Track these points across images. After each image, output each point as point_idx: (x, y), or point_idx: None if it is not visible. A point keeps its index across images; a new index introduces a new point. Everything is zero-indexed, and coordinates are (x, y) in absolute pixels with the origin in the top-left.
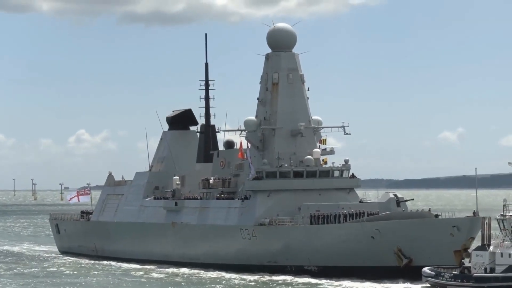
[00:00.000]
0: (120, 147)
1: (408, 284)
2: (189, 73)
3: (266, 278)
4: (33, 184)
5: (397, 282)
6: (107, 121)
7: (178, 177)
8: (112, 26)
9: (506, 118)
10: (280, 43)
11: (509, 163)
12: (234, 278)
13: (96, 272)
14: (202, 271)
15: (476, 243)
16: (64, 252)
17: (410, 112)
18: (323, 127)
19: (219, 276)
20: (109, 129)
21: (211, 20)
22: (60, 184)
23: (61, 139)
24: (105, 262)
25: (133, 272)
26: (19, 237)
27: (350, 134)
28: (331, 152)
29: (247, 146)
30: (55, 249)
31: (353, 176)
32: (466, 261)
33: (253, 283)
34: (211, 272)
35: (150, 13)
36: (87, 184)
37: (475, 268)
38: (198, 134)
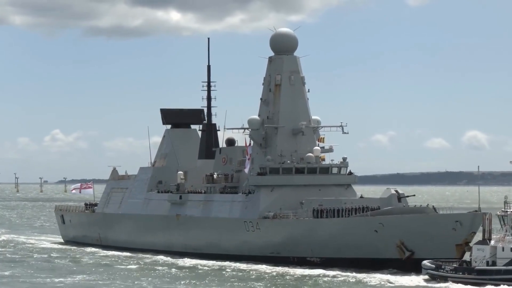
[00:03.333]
0: (90, 145)
1: (408, 276)
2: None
3: (269, 268)
4: (15, 178)
5: (398, 274)
6: (78, 122)
7: (182, 172)
8: (77, 38)
9: (429, 124)
10: (283, 47)
11: (510, 161)
12: (237, 268)
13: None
14: (204, 261)
15: (476, 238)
16: (68, 241)
17: (346, 117)
18: (322, 126)
19: (222, 265)
20: (80, 129)
21: (166, 34)
22: (40, 178)
23: (37, 138)
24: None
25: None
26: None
27: (348, 133)
28: (330, 150)
29: (250, 144)
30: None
31: (350, 173)
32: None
33: (256, 273)
34: (214, 262)
35: (112, 27)
36: (64, 178)
37: (475, 261)
38: (200, 132)
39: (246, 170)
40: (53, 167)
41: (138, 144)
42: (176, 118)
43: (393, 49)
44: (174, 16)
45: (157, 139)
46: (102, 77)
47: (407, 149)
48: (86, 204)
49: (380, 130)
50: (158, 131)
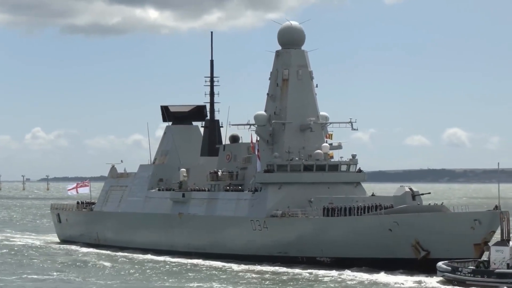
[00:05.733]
0: (71, 143)
1: (423, 277)
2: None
3: (277, 268)
4: None
5: (413, 275)
6: (59, 120)
7: (185, 170)
8: (56, 36)
9: (409, 121)
10: (291, 40)
11: None
12: (243, 269)
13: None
14: (209, 261)
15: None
16: (65, 240)
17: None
18: (331, 122)
19: (227, 265)
20: (61, 127)
21: (144, 32)
22: (22, 176)
23: (18, 136)
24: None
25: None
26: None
27: (357, 129)
28: (339, 147)
29: (256, 140)
30: None
31: (359, 170)
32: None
33: (264, 273)
34: (218, 262)
35: (89, 25)
36: (46, 176)
37: (494, 263)
38: (202, 128)
39: (258, 168)
40: (35, 165)
41: (119, 142)
42: (178, 115)
43: (372, 47)
44: (151, 14)
45: (139, 137)
46: (82, 75)
47: (388, 147)
48: (78, 203)
49: (361, 128)
50: (139, 128)
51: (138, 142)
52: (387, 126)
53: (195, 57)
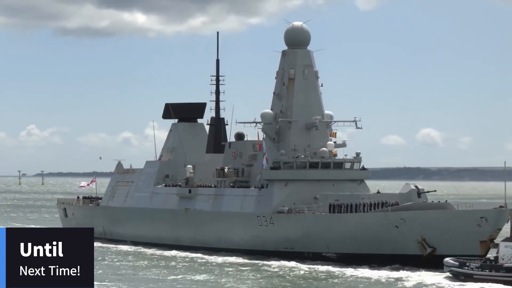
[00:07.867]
0: (64, 140)
1: (429, 273)
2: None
3: (282, 264)
4: None
5: (419, 271)
6: (53, 118)
7: (191, 166)
8: (48, 38)
9: (385, 121)
10: (297, 40)
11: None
12: (248, 264)
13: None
14: (215, 256)
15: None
16: None
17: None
18: (336, 121)
19: (233, 261)
20: (55, 125)
21: (131, 35)
22: (18, 171)
23: (13, 133)
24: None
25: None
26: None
27: (361, 128)
28: (343, 145)
29: (263, 138)
30: None
31: (363, 168)
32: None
33: (268, 269)
34: (224, 257)
35: (80, 27)
36: (41, 171)
37: (503, 259)
38: (208, 126)
39: (264, 166)
40: (30, 160)
41: (110, 139)
42: (182, 112)
43: (351, 47)
44: (139, 18)
45: (128, 134)
46: (73, 75)
47: (366, 146)
48: (78, 198)
49: (340, 128)
50: (129, 126)
51: (128, 139)
52: (364, 126)
53: (184, 59)
